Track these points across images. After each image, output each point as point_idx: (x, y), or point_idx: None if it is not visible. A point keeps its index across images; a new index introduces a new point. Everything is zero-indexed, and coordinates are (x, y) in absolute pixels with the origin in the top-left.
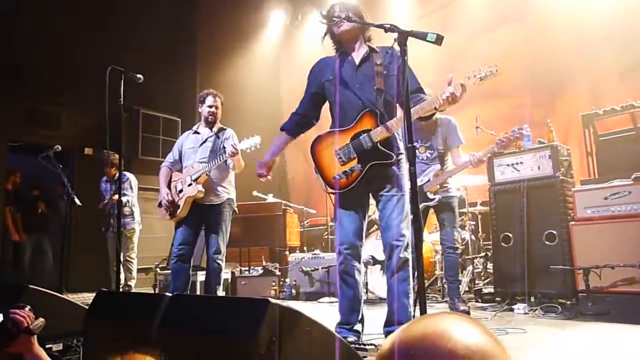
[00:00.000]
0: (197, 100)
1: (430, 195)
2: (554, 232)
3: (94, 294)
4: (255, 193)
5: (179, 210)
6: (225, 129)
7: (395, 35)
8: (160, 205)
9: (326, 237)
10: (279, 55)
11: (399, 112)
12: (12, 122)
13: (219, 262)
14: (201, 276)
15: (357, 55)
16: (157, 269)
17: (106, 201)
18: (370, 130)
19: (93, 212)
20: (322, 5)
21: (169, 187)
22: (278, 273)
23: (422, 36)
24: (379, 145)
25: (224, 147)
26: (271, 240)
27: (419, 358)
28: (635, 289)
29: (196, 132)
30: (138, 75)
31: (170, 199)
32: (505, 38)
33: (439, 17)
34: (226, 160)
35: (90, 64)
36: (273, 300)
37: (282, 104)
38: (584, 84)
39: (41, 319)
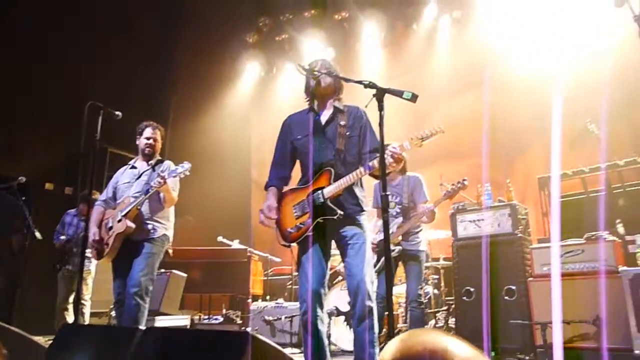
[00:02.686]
0: (136, 133)
1: (391, 247)
2: (513, 287)
3: (39, 337)
4: (220, 239)
5: (107, 249)
6: (162, 161)
7: (374, 91)
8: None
9: (290, 286)
10: (251, 105)
11: (355, 172)
12: None
13: (137, 298)
14: (159, 322)
15: (325, 116)
16: (112, 314)
17: (68, 238)
18: (324, 187)
19: (44, 249)
20: (297, 60)
21: (100, 225)
22: (239, 321)
23: (398, 93)
24: (328, 202)
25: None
26: (234, 288)
27: None
28: (589, 345)
29: (133, 167)
30: (117, 113)
31: (97, 238)
32: (467, 102)
33: (407, 79)
34: (159, 193)
35: (57, 98)
36: (252, 333)
37: (252, 152)
38: (539, 148)
39: (4, 350)
